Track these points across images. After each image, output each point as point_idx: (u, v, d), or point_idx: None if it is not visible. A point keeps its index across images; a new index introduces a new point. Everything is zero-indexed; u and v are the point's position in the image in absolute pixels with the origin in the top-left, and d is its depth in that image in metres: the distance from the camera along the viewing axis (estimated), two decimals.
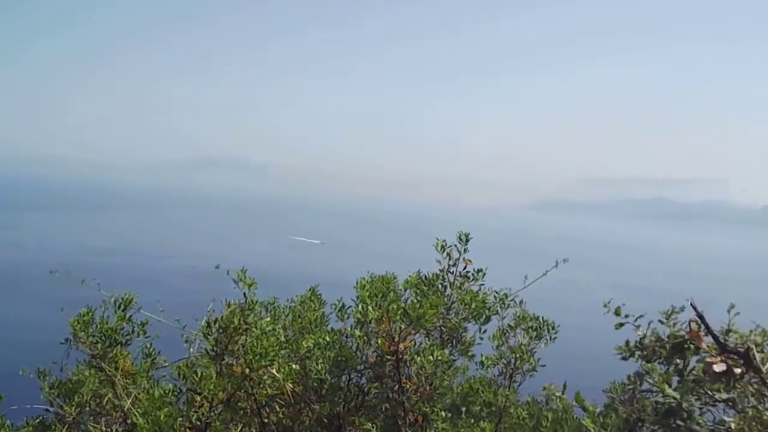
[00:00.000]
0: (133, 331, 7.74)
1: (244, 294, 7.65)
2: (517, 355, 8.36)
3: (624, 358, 6.55)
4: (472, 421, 8.07)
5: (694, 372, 6.29)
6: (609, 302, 6.48)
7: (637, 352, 6.50)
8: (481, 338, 8.29)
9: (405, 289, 8.07)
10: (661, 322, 6.41)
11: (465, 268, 8.37)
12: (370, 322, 7.70)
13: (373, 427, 7.83)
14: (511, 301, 8.44)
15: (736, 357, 5.97)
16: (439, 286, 8.26)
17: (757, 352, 6.00)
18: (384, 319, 7.58)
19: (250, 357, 7.43)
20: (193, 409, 7.38)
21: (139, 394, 7.49)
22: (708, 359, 5.98)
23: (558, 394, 7.87)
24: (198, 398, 7.46)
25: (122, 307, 7.62)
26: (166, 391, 7.43)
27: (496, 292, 8.40)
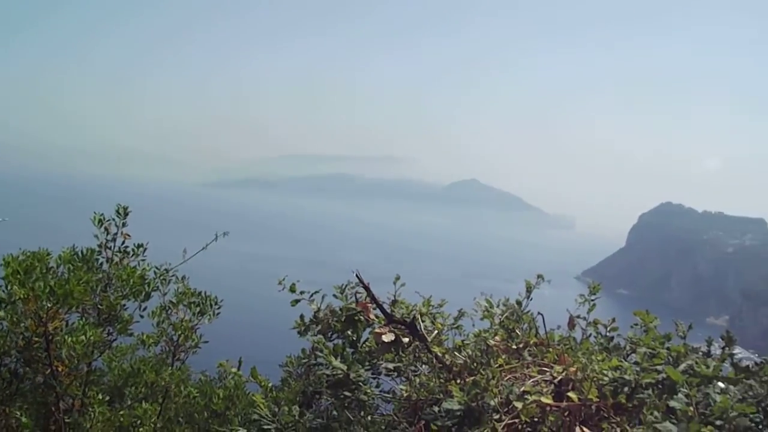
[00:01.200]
0: None
1: None
2: (180, 332, 8.19)
3: (300, 333, 6.65)
4: (130, 402, 7.80)
5: (367, 343, 6.53)
6: (284, 278, 6.54)
7: (313, 327, 6.63)
8: (141, 316, 7.98)
9: (58, 266, 7.54)
10: (335, 296, 6.58)
11: (124, 243, 7.99)
12: (16, 302, 7.13)
13: (22, 415, 7.28)
14: (172, 276, 8.22)
15: (403, 327, 6.28)
16: (96, 262, 7.81)
17: (422, 321, 6.37)
18: (30, 297, 7.05)
19: None
20: None
21: None
22: (377, 330, 6.24)
23: (233, 370, 7.80)
24: None
25: None
26: None
27: (157, 268, 8.13)
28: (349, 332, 6.56)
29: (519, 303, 6.61)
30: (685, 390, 4.57)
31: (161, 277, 8.16)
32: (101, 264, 7.88)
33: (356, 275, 6.43)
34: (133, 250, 8.03)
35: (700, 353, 5.62)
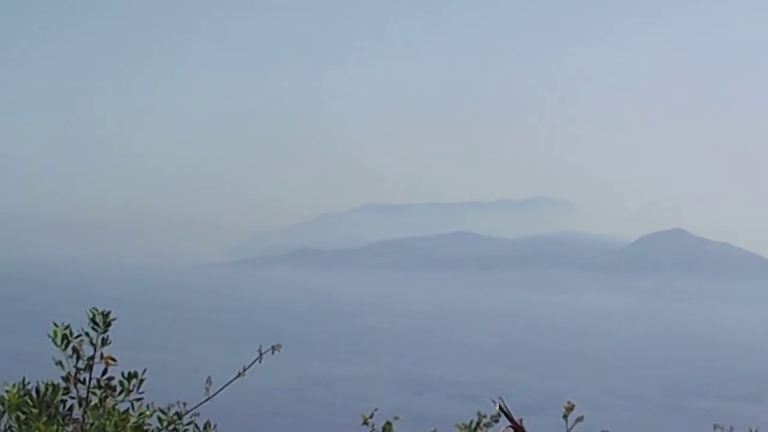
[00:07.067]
0: None
1: None
2: None
3: None
4: None
5: None
6: (371, 415, 5.67)
7: None
8: None
9: (3, 413, 5.17)
10: None
11: (105, 372, 5.42)
12: None
13: None
14: (189, 423, 5.61)
15: None
16: (61, 405, 5.32)
17: None
18: None
19: None
20: None
21: None
22: None
23: None
24: None
25: None
26: None
27: (163, 412, 5.55)
28: None
29: None
30: None
31: (170, 427, 5.53)
32: (70, 408, 5.37)
33: (499, 406, 5.06)
34: (121, 382, 5.42)
35: None
